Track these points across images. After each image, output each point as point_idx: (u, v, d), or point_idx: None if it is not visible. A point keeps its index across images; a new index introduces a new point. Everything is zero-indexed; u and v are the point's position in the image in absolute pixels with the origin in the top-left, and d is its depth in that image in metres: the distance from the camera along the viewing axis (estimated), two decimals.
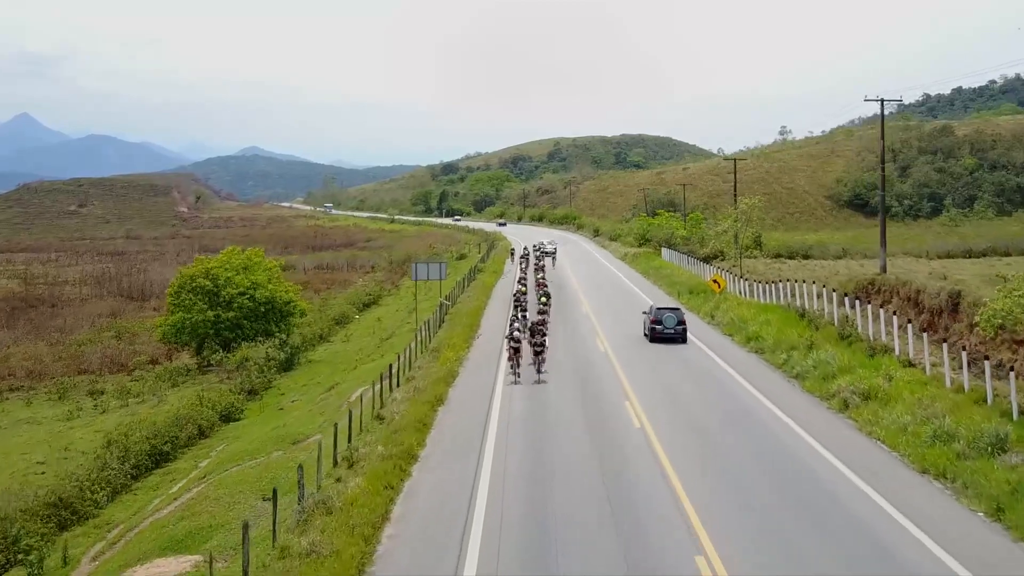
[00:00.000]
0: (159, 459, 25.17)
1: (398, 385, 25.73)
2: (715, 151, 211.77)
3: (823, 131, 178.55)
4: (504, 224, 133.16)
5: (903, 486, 15.89)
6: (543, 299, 35.78)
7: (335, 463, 17.88)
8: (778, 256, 67.13)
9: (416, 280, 39.62)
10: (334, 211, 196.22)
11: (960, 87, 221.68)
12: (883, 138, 37.90)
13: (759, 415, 21.44)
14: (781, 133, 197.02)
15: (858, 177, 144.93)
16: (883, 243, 37.72)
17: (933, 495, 15.42)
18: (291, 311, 43.19)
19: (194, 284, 41.02)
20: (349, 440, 19.28)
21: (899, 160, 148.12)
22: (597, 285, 51.43)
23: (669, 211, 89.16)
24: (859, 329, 28.08)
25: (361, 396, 25.32)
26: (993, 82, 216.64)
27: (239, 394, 32.68)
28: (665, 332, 32.01)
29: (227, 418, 29.91)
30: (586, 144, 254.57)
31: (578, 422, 20.77)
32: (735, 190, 57.82)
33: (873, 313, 27.44)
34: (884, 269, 36.77)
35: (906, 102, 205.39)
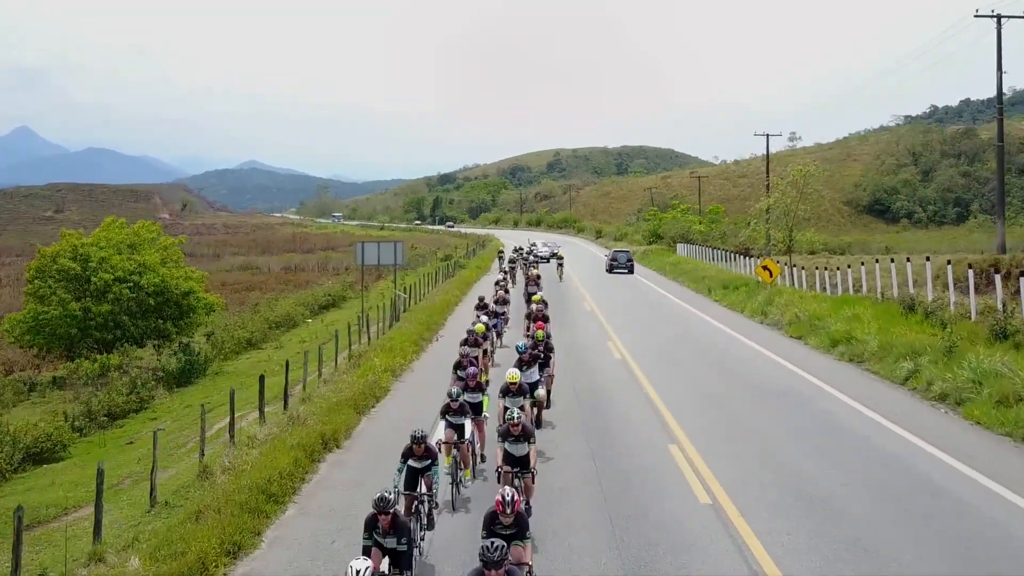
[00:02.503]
0: None
1: (285, 408, 15.63)
2: (717, 162, 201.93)
3: (827, 143, 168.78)
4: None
5: None
6: (531, 379, 13.25)
7: None
8: (813, 253, 57.68)
9: (362, 265, 29.53)
10: (344, 221, 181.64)
11: (968, 99, 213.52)
12: (1000, 66, 27.88)
13: (934, 479, 11.26)
14: (790, 139, 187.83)
15: (878, 181, 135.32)
16: (1001, 212, 27.70)
17: None
18: (192, 305, 32.34)
19: (56, 267, 30.46)
20: (96, 534, 9.03)
21: (921, 164, 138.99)
22: (606, 288, 40.91)
23: (685, 205, 79.36)
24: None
25: (247, 421, 15.51)
26: (1002, 94, 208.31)
27: (84, 419, 22.30)
28: (619, 267, 46.22)
29: (40, 458, 19.57)
30: (586, 155, 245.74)
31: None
32: (767, 166, 47.84)
33: None
34: (1003, 248, 26.60)
35: (913, 114, 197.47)
